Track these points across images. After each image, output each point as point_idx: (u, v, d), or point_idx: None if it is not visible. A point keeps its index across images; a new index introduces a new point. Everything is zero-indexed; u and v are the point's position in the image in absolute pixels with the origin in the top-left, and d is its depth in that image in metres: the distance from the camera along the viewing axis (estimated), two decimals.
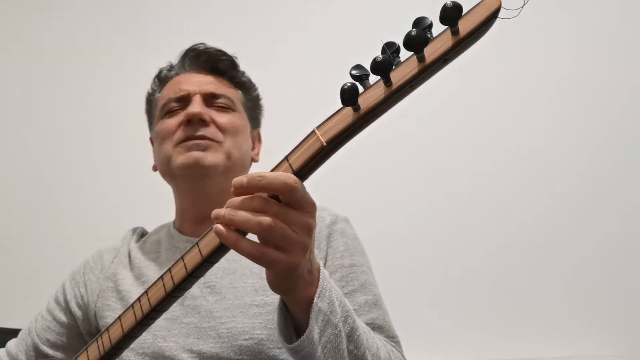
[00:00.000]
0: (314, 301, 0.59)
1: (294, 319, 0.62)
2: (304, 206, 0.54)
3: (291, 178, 0.52)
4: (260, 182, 0.52)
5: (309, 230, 0.55)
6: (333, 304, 0.61)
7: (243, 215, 0.53)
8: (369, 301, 0.83)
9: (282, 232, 0.53)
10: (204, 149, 0.89)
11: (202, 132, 0.90)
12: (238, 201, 0.54)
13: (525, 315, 1.45)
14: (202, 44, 1.00)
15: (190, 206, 0.96)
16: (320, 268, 0.62)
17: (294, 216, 0.53)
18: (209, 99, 0.94)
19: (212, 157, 0.89)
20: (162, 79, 1.02)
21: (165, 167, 0.94)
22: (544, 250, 1.48)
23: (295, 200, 0.54)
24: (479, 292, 1.48)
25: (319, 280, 0.60)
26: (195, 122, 0.90)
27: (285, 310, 0.62)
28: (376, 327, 0.81)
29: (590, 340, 1.40)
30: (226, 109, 0.95)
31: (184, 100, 0.94)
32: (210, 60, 0.98)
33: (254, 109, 1.03)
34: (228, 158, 0.91)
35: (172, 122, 0.93)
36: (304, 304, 0.59)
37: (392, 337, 0.82)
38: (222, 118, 0.93)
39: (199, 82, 0.95)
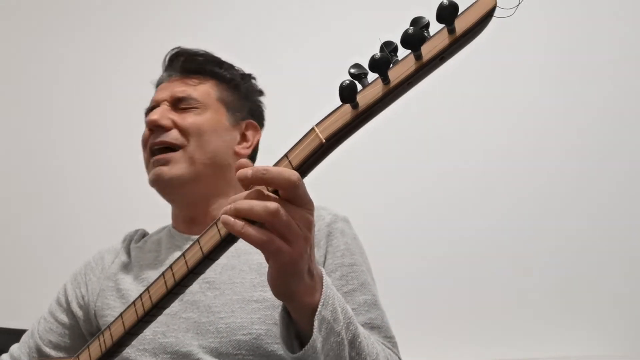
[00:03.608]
0: (318, 309, 0.59)
1: (296, 326, 0.62)
2: (304, 203, 0.55)
3: (295, 175, 0.53)
4: (264, 175, 0.53)
5: (308, 225, 0.55)
6: (336, 312, 0.61)
7: (248, 202, 0.53)
8: (368, 301, 0.84)
9: (287, 220, 0.53)
10: (165, 162, 0.90)
11: (162, 137, 0.91)
12: (240, 196, 0.55)
13: (525, 316, 1.45)
14: (177, 47, 1.01)
15: (179, 211, 0.98)
16: (323, 275, 0.62)
17: (294, 211, 0.54)
18: (176, 104, 0.94)
19: (174, 170, 0.90)
20: (156, 89, 1.04)
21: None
22: (544, 251, 1.48)
23: (296, 196, 0.54)
24: (478, 292, 1.48)
25: (322, 288, 0.60)
26: (156, 129, 0.92)
27: (287, 319, 0.62)
28: (374, 327, 0.82)
29: (590, 340, 1.40)
30: (191, 109, 0.94)
31: (155, 109, 0.95)
32: (182, 63, 0.98)
33: (240, 100, 1.00)
34: (192, 163, 0.91)
35: (145, 133, 0.96)
36: (307, 311, 0.59)
37: (389, 338, 0.83)
38: (186, 120, 0.92)
39: (168, 89, 0.96)
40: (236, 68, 1.03)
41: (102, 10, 1.96)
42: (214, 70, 0.99)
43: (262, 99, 1.06)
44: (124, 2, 1.95)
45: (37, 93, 1.96)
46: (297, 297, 0.59)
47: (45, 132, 1.92)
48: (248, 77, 1.04)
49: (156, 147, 0.92)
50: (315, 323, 0.58)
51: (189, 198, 0.94)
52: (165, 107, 0.94)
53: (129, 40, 1.91)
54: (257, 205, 0.52)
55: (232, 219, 0.53)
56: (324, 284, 0.61)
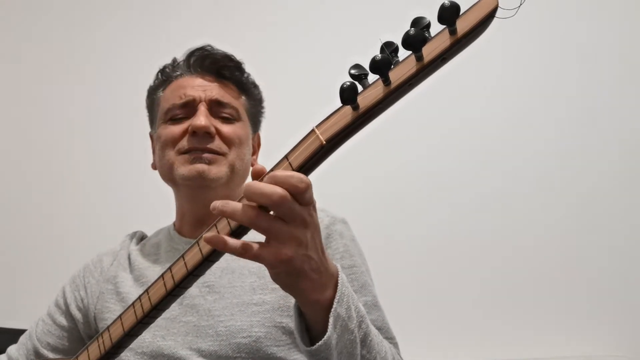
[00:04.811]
0: (334, 306, 0.59)
1: (306, 320, 0.62)
2: (308, 204, 0.55)
3: (302, 183, 0.53)
4: (273, 179, 0.53)
5: (304, 224, 0.55)
6: (350, 310, 0.61)
7: (232, 205, 0.54)
8: (369, 302, 0.84)
9: (268, 224, 0.53)
10: (209, 162, 0.89)
11: (208, 145, 0.90)
12: (255, 185, 0.54)
13: (525, 316, 1.45)
14: (208, 45, 0.98)
15: (190, 210, 0.97)
16: (339, 272, 0.62)
17: (297, 209, 0.54)
18: (214, 107, 0.93)
19: (216, 170, 0.89)
20: (166, 76, 1.00)
21: (167, 174, 0.94)
22: (544, 251, 1.48)
23: (302, 199, 0.54)
24: (478, 292, 1.49)
25: (336, 285, 0.60)
26: (200, 134, 0.90)
27: (299, 311, 0.63)
28: (375, 328, 0.82)
29: (590, 340, 1.40)
30: (231, 119, 0.94)
31: (189, 106, 0.93)
32: (216, 65, 0.96)
33: (256, 113, 1.02)
34: (231, 170, 0.91)
35: (176, 129, 0.92)
36: (316, 307, 0.59)
37: (390, 339, 0.83)
38: (227, 128, 0.92)
39: (204, 88, 0.93)
40: (251, 76, 1.02)
41: (102, 9, 1.95)
42: (242, 80, 0.99)
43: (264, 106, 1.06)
44: (123, 1, 1.94)
45: (36, 94, 1.95)
46: (304, 294, 0.59)
47: (45, 132, 1.91)
48: (258, 87, 1.03)
49: (199, 151, 0.90)
50: (331, 320, 0.58)
51: (212, 199, 0.92)
52: (205, 110, 0.91)
53: (127, 40, 1.91)
54: (237, 211, 0.54)
55: (214, 238, 0.55)
56: (339, 281, 0.61)
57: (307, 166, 0.55)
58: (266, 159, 0.63)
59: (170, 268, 0.62)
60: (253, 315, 0.81)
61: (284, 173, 0.53)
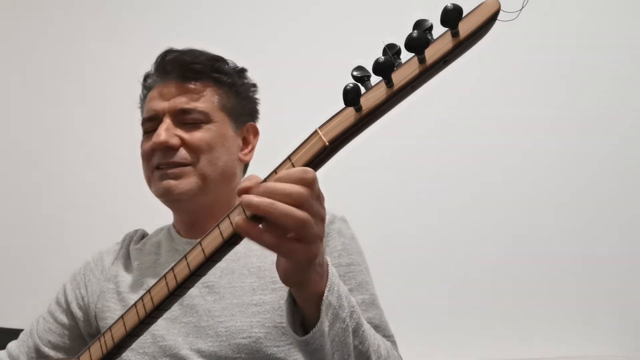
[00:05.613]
0: (325, 294, 0.60)
1: (302, 313, 0.63)
2: (320, 197, 0.56)
3: (309, 173, 0.53)
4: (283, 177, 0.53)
5: (322, 220, 0.56)
6: (341, 299, 0.62)
7: (284, 207, 0.52)
8: (366, 300, 0.84)
9: (310, 225, 0.53)
10: (176, 177, 0.87)
11: (172, 158, 0.88)
12: (273, 186, 0.53)
13: (525, 316, 1.45)
14: (171, 49, 0.95)
15: (181, 217, 0.97)
16: (328, 263, 0.63)
17: (316, 206, 0.54)
18: (179, 116, 0.89)
19: (184, 184, 0.87)
20: (146, 88, 0.98)
21: (149, 187, 0.95)
22: (544, 251, 1.48)
23: (314, 194, 0.54)
24: (478, 292, 1.49)
25: (328, 275, 0.61)
26: (162, 149, 0.88)
27: (293, 305, 0.63)
28: (372, 327, 0.82)
29: (590, 340, 1.41)
30: (198, 124, 0.89)
31: (155, 119, 0.91)
32: (180, 69, 0.91)
33: (241, 104, 0.96)
34: (203, 179, 0.89)
35: (148, 145, 0.91)
36: (314, 298, 0.60)
37: (388, 337, 0.83)
38: (194, 136, 0.88)
39: (168, 98, 0.90)
40: (230, 64, 0.97)
41: (99, 6, 1.95)
42: (214, 75, 0.94)
43: (256, 91, 1.01)
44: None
45: (36, 93, 1.95)
46: (307, 287, 0.60)
47: (44, 131, 1.92)
48: (243, 74, 0.99)
49: (165, 166, 0.89)
50: (322, 307, 0.60)
51: (194, 207, 0.92)
52: (168, 122, 0.89)
53: (126, 38, 1.91)
54: (291, 214, 0.52)
55: (249, 226, 0.53)
56: (329, 270, 0.62)
57: (310, 167, 0.55)
58: (269, 160, 0.63)
59: (172, 268, 0.63)
60: (253, 315, 0.81)
61: (287, 171, 0.53)
